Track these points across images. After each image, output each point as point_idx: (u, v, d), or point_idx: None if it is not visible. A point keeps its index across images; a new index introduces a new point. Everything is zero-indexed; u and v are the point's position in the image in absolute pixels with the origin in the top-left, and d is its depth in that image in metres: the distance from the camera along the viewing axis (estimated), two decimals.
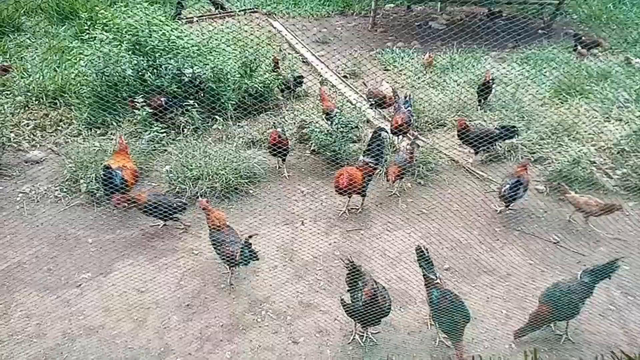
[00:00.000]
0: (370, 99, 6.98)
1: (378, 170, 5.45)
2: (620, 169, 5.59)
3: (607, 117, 6.72)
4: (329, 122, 6.12)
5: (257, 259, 4.12)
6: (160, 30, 6.86)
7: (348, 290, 3.74)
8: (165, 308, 4.02)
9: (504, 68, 8.45)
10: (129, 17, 6.93)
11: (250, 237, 4.02)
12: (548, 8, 11.90)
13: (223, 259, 4.12)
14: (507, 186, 4.88)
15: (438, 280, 3.65)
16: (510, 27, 11.64)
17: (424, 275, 3.73)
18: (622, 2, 12.46)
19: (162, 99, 6.27)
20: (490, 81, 6.97)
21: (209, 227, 4.24)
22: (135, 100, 6.15)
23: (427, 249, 3.75)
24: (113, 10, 7.32)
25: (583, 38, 9.74)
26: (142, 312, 3.99)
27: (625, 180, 5.49)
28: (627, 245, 4.72)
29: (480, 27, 11.73)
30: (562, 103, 7.16)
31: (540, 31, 11.48)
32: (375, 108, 7.01)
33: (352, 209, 5.26)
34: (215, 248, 4.17)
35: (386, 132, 5.59)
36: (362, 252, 4.68)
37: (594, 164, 5.67)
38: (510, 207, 5.10)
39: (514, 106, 6.80)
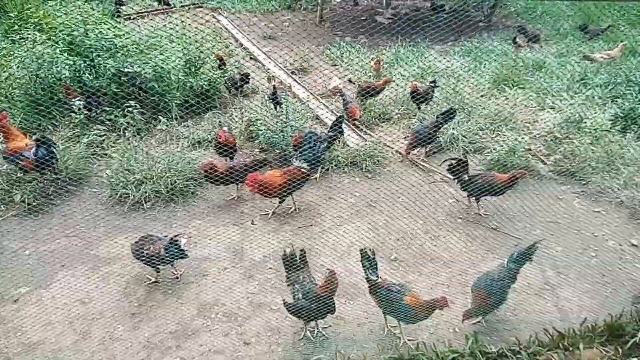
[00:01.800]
0: (362, 92, 7.02)
1: (311, 176, 5.35)
2: (553, 155, 5.93)
3: (542, 107, 7.10)
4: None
5: (185, 256, 4.14)
6: (97, 28, 6.59)
7: (287, 285, 3.77)
8: (110, 318, 3.90)
9: (447, 61, 8.73)
10: (63, 15, 6.61)
11: (176, 235, 4.08)
12: (488, 1, 12.37)
13: (147, 261, 4.05)
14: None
15: (379, 280, 3.73)
16: (452, 21, 12.04)
17: (366, 278, 3.77)
18: None
19: (304, 165, 5.17)
20: (419, 90, 6.83)
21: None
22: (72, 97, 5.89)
23: (372, 251, 3.79)
24: (45, 9, 6.94)
25: (527, 30, 10.22)
26: (85, 324, 3.85)
27: (558, 166, 5.83)
28: (559, 227, 5.03)
29: (424, 21, 12.03)
30: (500, 93, 7.49)
31: (480, 24, 11.92)
32: (366, 98, 7.08)
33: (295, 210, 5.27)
34: (135, 254, 4.11)
35: (317, 136, 5.43)
36: (313, 247, 4.71)
37: (529, 151, 5.99)
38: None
39: (455, 98, 7.04)
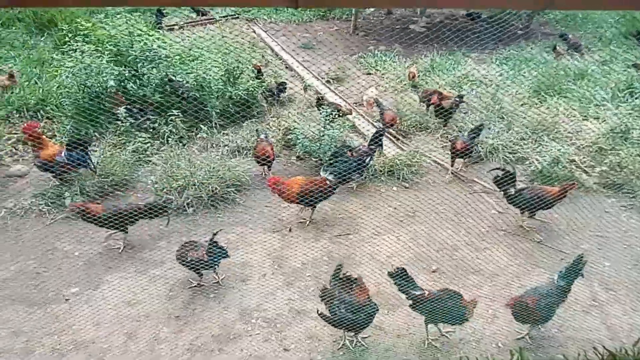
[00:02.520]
0: (423, 100, 7.02)
1: (337, 189, 5.22)
2: (599, 167, 5.75)
3: (585, 116, 6.91)
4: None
5: (227, 255, 4.23)
6: (142, 40, 6.84)
7: (322, 300, 3.76)
8: (156, 320, 4.01)
9: (485, 69, 8.62)
10: (110, 28, 6.90)
11: (215, 234, 4.16)
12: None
13: (192, 266, 4.14)
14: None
15: (425, 293, 3.68)
16: (489, 29, 11.87)
17: (409, 297, 3.72)
18: None
19: (330, 177, 5.17)
20: (442, 105, 6.62)
21: None
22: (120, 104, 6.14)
23: (403, 269, 3.72)
24: (93, 21, 7.25)
25: (570, 38, 9.98)
26: (133, 325, 3.97)
27: (605, 178, 5.65)
28: (607, 241, 4.86)
29: (460, 29, 11.92)
30: (541, 103, 7.33)
31: (518, 32, 11.70)
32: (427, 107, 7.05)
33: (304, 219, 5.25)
34: (180, 260, 4.21)
35: (350, 148, 5.49)
36: (351, 256, 4.72)
37: (574, 163, 5.83)
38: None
39: (494, 107, 6.93)
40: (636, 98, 7.05)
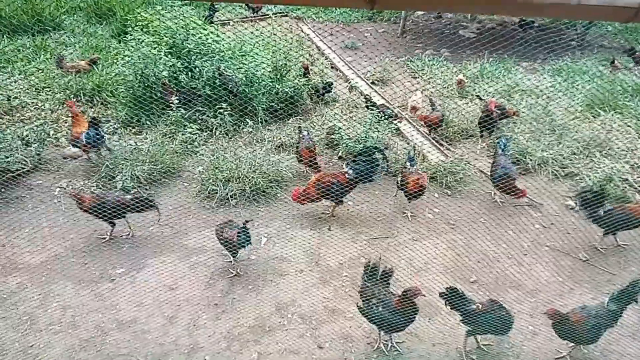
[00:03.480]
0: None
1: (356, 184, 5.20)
2: None
3: None
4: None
5: (250, 243, 4.36)
6: (197, 33, 7.05)
7: (361, 296, 3.78)
8: (195, 306, 4.14)
9: (536, 79, 8.37)
10: (168, 20, 7.14)
11: (247, 222, 4.31)
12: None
13: (224, 244, 4.36)
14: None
15: (478, 305, 3.61)
16: (542, 38, 11.51)
17: (463, 312, 3.65)
18: None
19: (350, 171, 5.21)
20: (495, 111, 6.37)
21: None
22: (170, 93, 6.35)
23: (454, 289, 3.63)
24: (151, 12, 7.51)
25: (638, 53, 9.53)
26: (172, 309, 4.11)
27: None
28: None
29: (511, 37, 11.61)
30: (594, 117, 7.05)
31: (573, 42, 11.30)
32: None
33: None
34: (217, 235, 4.44)
35: (383, 152, 5.33)
36: (388, 260, 4.69)
37: (627, 182, 5.58)
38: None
39: (545, 119, 6.72)
40: None
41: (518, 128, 6.61)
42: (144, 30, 7.14)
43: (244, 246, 4.36)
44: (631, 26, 11.80)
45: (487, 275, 4.51)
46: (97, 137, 5.68)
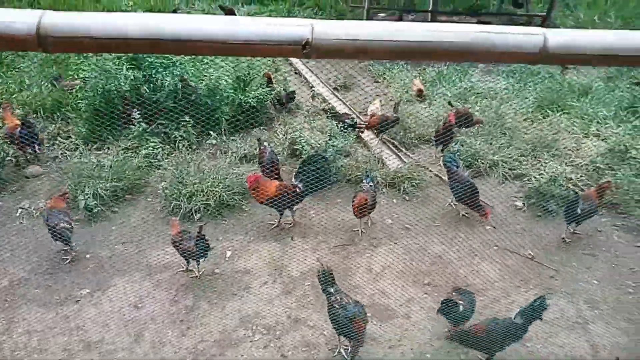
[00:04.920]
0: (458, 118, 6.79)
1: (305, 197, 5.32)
2: (595, 186, 5.87)
3: (587, 134, 7.02)
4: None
5: (210, 249, 4.60)
6: None
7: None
8: (160, 323, 4.26)
9: (492, 81, 8.74)
10: None
11: (201, 228, 4.47)
12: (536, 20, 12.21)
13: (184, 254, 4.58)
14: None
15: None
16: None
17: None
18: (607, 14, 12.79)
19: (300, 185, 5.27)
20: (453, 124, 6.24)
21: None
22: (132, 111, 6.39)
23: (464, 332, 3.90)
24: None
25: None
26: (139, 327, 4.22)
27: None
28: (596, 260, 5.01)
29: None
30: (544, 118, 7.45)
31: None
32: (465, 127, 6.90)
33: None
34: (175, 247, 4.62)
35: (326, 160, 5.48)
36: (348, 267, 4.93)
37: (571, 181, 5.96)
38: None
39: (497, 122, 7.07)
40: (637, 117, 7.15)
41: (471, 132, 6.93)
42: None
43: (204, 255, 4.54)
44: (585, 26, 12.40)
45: (440, 277, 4.78)
46: (30, 135, 6.05)
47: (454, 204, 5.71)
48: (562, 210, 5.21)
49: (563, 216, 5.17)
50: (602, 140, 6.69)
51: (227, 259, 4.97)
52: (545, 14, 11.59)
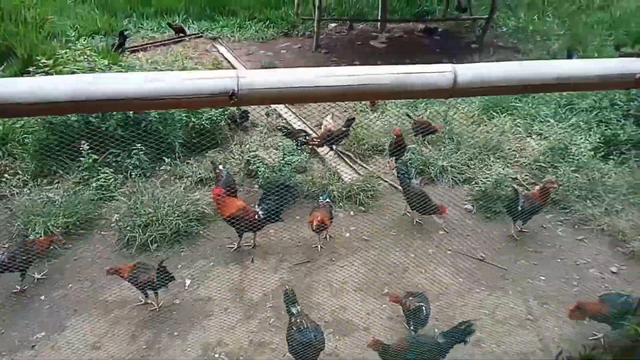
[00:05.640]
0: (417, 128, 7.05)
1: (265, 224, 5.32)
2: (539, 184, 6.19)
3: (530, 133, 7.39)
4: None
5: (172, 279, 4.58)
6: (104, 75, 6.96)
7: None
8: None
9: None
10: (72, 64, 6.98)
11: (161, 262, 4.47)
12: (479, 22, 12.71)
13: (142, 287, 4.54)
14: None
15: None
16: (446, 42, 12.37)
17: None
18: (546, 14, 13.47)
19: (260, 212, 5.27)
20: (399, 138, 6.43)
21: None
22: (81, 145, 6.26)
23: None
24: (55, 57, 7.30)
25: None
26: None
27: None
28: (543, 257, 5.29)
29: (417, 45, 12.39)
30: (489, 120, 7.77)
31: (472, 45, 12.24)
32: (423, 136, 7.09)
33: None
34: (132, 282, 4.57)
35: (294, 190, 5.56)
36: (309, 285, 5.01)
37: (516, 181, 6.26)
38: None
39: (445, 127, 7.33)
40: (575, 114, 7.58)
41: (421, 140, 7.16)
42: (47, 73, 6.95)
43: (165, 285, 4.55)
44: (522, 26, 13.01)
45: (397, 286, 4.92)
46: None
47: (409, 212, 5.89)
48: (504, 209, 5.49)
49: (507, 215, 5.45)
50: (544, 138, 7.05)
51: (186, 287, 4.96)
52: (487, 16, 12.08)
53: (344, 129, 6.92)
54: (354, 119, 7.04)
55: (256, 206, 5.27)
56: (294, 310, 4.07)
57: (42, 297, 4.89)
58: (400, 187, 6.01)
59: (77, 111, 1.67)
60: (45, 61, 7.02)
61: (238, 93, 2.10)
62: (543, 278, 5.01)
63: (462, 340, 3.86)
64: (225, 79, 2.10)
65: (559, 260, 5.25)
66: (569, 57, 9.76)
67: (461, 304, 4.69)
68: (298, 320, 3.95)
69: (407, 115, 7.75)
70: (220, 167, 6.05)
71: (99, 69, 7.02)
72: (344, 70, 2.25)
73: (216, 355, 4.26)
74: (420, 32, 13.02)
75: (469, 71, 2.33)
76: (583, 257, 5.25)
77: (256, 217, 5.18)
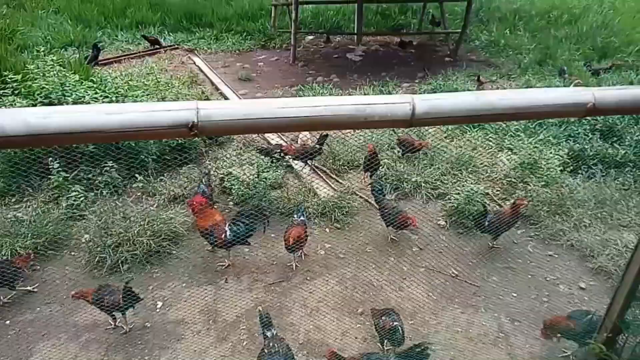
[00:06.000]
0: (402, 146, 7.09)
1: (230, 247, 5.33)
2: (510, 199, 6.33)
3: (501, 148, 7.55)
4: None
5: (139, 300, 4.54)
6: (74, 90, 6.85)
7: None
8: None
9: None
10: (41, 79, 6.84)
11: (127, 282, 4.44)
12: (453, 36, 12.99)
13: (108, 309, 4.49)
14: None
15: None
16: (420, 56, 12.59)
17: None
18: (517, 28, 13.84)
19: (228, 232, 5.24)
20: (373, 154, 6.48)
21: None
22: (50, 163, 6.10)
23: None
24: (24, 72, 7.14)
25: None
26: None
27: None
28: (514, 272, 5.39)
29: (393, 57, 12.57)
30: (462, 135, 7.92)
31: (446, 59, 12.48)
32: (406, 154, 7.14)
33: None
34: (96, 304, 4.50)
35: (265, 213, 5.60)
36: (283, 304, 4.98)
37: (487, 196, 6.38)
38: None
39: (428, 145, 7.42)
40: (545, 128, 7.79)
41: (395, 155, 7.24)
42: (15, 92, 6.79)
43: (131, 306, 4.49)
44: (495, 40, 13.33)
45: (372, 304, 4.93)
46: None
47: (394, 237, 5.90)
48: (473, 224, 5.59)
49: (477, 229, 5.55)
50: (514, 153, 7.21)
51: (158, 309, 4.87)
52: (460, 30, 12.36)
53: (317, 146, 6.94)
54: (327, 135, 7.06)
55: (226, 226, 5.22)
56: (268, 334, 4.05)
57: (7, 322, 4.72)
58: (375, 204, 6.06)
59: (32, 145, 1.65)
60: (13, 76, 6.86)
61: (198, 125, 2.10)
62: (515, 295, 5.10)
63: None
64: (184, 111, 2.10)
65: (529, 276, 5.35)
66: (560, 73, 10.07)
67: (435, 322, 4.73)
68: (270, 344, 3.92)
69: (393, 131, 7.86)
70: (204, 179, 5.96)
71: (69, 84, 6.90)
72: (303, 102, 2.27)
73: None
74: (395, 45, 13.21)
75: (427, 102, 2.39)
76: (553, 272, 5.36)
77: (223, 236, 5.14)
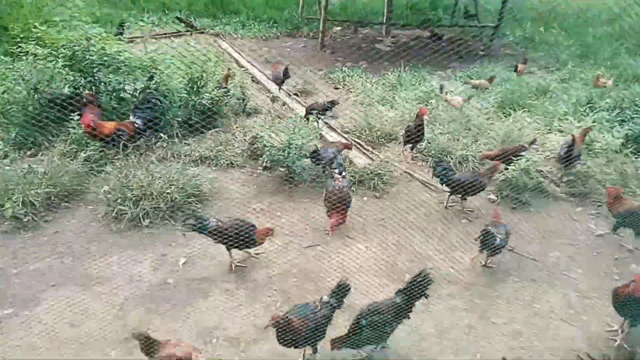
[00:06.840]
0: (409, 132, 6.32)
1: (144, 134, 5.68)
2: (566, 177, 5.77)
3: (550, 129, 7.00)
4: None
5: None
6: (99, 44, 6.48)
7: None
8: (102, 342, 3.57)
9: (451, 85, 8.69)
10: (67, 31, 6.50)
11: None
12: (487, 30, 12.54)
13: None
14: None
15: None
16: (452, 49, 12.14)
17: None
18: (552, 27, 13.36)
19: (138, 121, 5.76)
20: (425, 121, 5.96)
21: None
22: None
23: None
24: (49, 24, 6.82)
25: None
26: (75, 349, 3.51)
27: (572, 187, 5.67)
28: (577, 250, 4.80)
29: (424, 49, 12.13)
30: (506, 117, 7.38)
31: (480, 52, 12.02)
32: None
33: None
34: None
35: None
36: (320, 268, 4.44)
37: (542, 173, 5.81)
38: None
39: (461, 120, 6.93)
40: (596, 112, 7.23)
41: (437, 129, 6.73)
42: (39, 43, 6.44)
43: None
44: (529, 36, 12.87)
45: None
46: None
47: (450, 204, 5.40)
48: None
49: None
50: (567, 134, 6.64)
51: (181, 266, 4.36)
52: (495, 24, 11.92)
53: (327, 105, 7.04)
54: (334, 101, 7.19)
55: (132, 117, 5.49)
56: (325, 298, 3.48)
57: (14, 271, 4.24)
58: (439, 186, 5.46)
59: None
60: (39, 26, 6.53)
61: None
62: (580, 271, 4.52)
63: (423, 294, 3.50)
64: None
65: (595, 254, 4.77)
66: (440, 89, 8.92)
67: (494, 295, 4.16)
68: (317, 305, 3.40)
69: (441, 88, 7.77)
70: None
71: (95, 37, 6.54)
72: None
73: (214, 340, 3.64)
74: (427, 37, 12.78)
75: None
76: (621, 251, 4.78)
77: (134, 127, 5.38)
